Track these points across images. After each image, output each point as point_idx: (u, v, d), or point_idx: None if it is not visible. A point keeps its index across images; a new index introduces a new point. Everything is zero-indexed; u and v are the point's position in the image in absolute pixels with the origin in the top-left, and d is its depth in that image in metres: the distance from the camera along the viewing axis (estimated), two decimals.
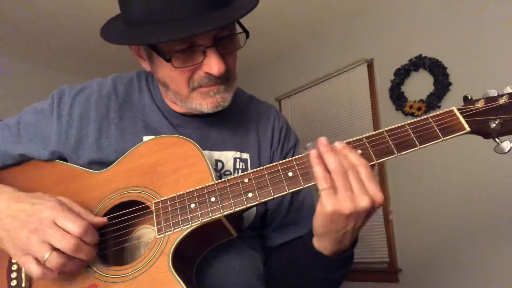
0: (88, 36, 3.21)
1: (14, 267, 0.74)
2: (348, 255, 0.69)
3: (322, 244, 0.68)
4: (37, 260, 0.64)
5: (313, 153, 0.64)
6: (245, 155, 0.87)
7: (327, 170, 0.62)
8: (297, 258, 0.75)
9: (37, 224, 0.64)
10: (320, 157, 0.64)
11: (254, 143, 0.89)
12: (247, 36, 0.77)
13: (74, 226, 0.64)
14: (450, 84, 2.56)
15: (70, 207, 0.68)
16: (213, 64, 0.72)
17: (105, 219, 0.71)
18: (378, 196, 0.60)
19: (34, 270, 0.64)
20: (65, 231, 0.64)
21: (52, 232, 0.64)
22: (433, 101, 2.60)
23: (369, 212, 0.61)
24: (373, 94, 2.98)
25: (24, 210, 0.67)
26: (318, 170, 0.62)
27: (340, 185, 0.61)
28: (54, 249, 0.63)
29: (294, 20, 3.22)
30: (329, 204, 0.60)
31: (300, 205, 0.89)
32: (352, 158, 0.63)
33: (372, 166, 0.66)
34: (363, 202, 0.59)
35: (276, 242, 0.88)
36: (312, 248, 0.69)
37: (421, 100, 2.68)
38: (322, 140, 0.65)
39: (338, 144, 0.65)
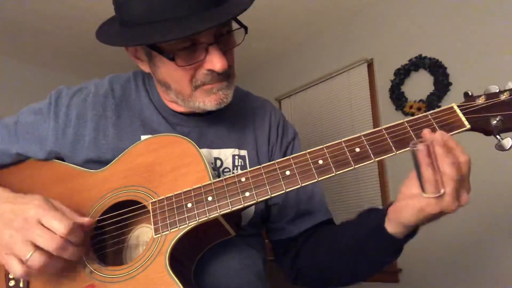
0: (87, 36, 3.20)
1: None
2: None
3: (399, 230, 0.67)
4: (20, 260, 0.63)
5: (422, 150, 0.58)
6: (243, 152, 0.87)
7: (436, 171, 0.58)
8: (354, 241, 0.74)
9: (22, 223, 0.63)
10: (429, 155, 0.58)
11: (251, 138, 0.89)
12: (246, 32, 0.77)
13: (60, 225, 0.63)
14: (450, 84, 2.55)
15: (56, 206, 0.67)
16: (216, 61, 0.72)
17: (89, 220, 0.69)
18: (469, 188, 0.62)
19: (17, 269, 0.63)
20: (50, 230, 0.63)
21: (37, 231, 0.63)
22: (433, 101, 2.59)
23: None
24: (373, 94, 2.97)
25: (11, 210, 0.66)
26: (429, 174, 0.58)
27: (450, 189, 0.58)
28: (38, 248, 0.62)
29: (294, 20, 3.22)
30: (437, 207, 0.59)
31: (311, 194, 0.89)
32: (461, 159, 0.60)
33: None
34: (465, 200, 0.61)
35: (292, 232, 0.87)
36: (384, 233, 0.68)
37: (421, 100, 2.67)
38: (438, 139, 0.59)
39: (450, 143, 0.60)
